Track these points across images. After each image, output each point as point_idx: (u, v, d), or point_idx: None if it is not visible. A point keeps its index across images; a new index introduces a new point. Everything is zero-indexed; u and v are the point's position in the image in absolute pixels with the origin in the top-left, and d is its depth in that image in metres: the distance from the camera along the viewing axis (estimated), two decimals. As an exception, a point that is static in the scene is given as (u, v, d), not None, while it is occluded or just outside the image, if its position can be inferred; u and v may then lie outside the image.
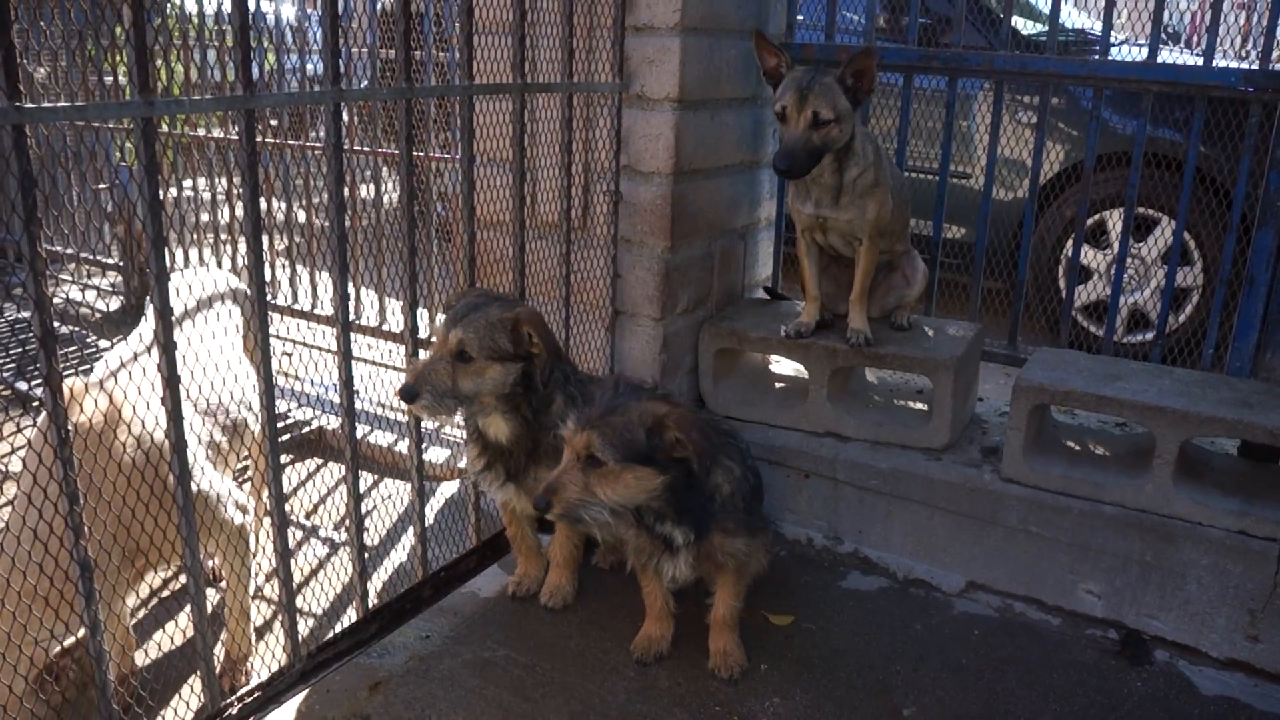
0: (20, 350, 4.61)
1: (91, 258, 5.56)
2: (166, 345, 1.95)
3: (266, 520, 3.21)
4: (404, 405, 2.47)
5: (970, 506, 2.92)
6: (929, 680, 2.58)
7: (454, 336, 2.43)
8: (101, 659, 1.92)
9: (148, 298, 2.77)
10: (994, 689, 2.55)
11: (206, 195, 5.19)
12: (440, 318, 2.52)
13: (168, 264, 1.95)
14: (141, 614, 2.86)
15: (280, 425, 3.91)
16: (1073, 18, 6.06)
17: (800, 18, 3.59)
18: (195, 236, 5.27)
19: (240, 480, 3.42)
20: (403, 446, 3.85)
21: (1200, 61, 3.04)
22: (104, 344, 4.77)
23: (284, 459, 3.79)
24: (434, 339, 2.53)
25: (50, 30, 5.08)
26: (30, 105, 1.62)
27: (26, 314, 4.96)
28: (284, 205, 4.85)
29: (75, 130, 5.32)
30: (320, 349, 4.90)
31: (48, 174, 5.26)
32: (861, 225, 3.00)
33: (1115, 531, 2.75)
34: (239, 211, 5.07)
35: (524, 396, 2.54)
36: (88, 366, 4.12)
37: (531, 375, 2.54)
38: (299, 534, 3.29)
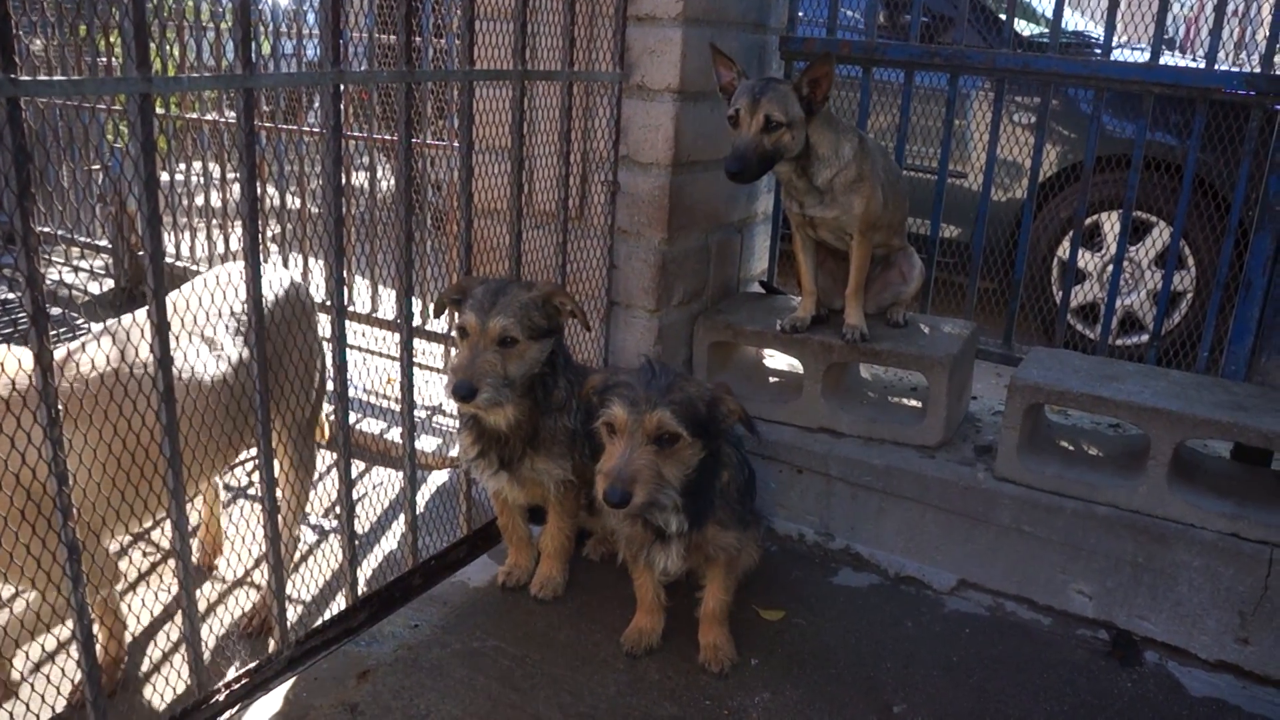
0: (11, 330, 4.57)
1: (82, 240, 5.52)
2: (160, 327, 1.92)
3: (258, 506, 3.20)
4: (458, 406, 2.43)
5: (963, 505, 2.92)
6: (919, 678, 2.57)
7: (495, 324, 2.41)
8: (90, 644, 1.90)
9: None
10: (984, 687, 2.55)
11: (197, 179, 5.16)
12: (469, 310, 2.45)
13: (164, 245, 1.92)
14: (129, 599, 2.83)
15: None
16: (1071, 20, 6.06)
17: (801, 14, 3.58)
18: (188, 220, 5.23)
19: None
20: (393, 434, 3.83)
21: (1194, 64, 3.04)
22: (95, 326, 4.73)
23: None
24: (461, 333, 2.48)
25: (45, 4, 5.04)
26: (26, 78, 1.60)
27: (15, 294, 4.91)
28: (277, 190, 4.82)
29: (67, 110, 5.28)
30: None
31: (43, 149, 5.22)
32: (849, 221, 2.99)
33: (1108, 532, 2.75)
34: (230, 196, 5.04)
35: (539, 377, 2.54)
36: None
37: (556, 353, 2.54)
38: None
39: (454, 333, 2.55)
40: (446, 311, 2.67)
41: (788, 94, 2.77)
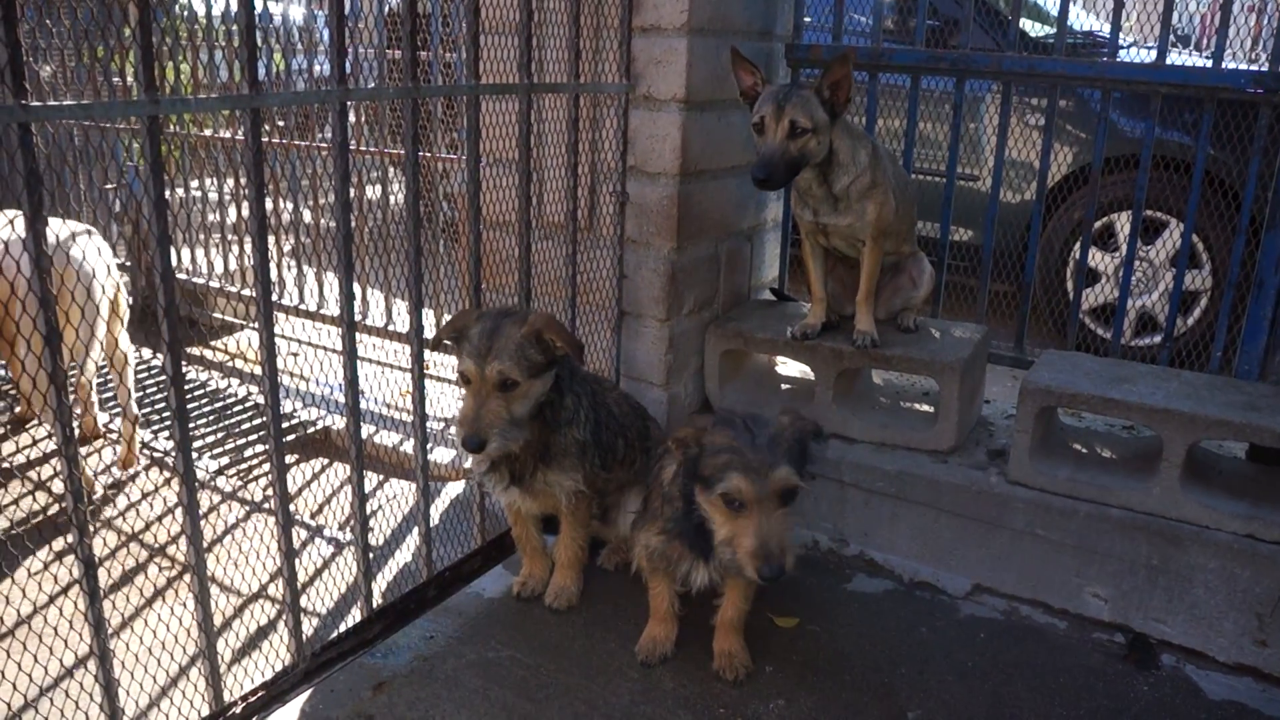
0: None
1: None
2: (172, 344, 1.95)
3: (270, 520, 3.22)
4: (472, 458, 2.44)
5: (976, 509, 2.91)
6: (935, 683, 2.57)
7: (492, 370, 2.38)
8: (106, 656, 1.93)
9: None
10: (1000, 692, 2.54)
11: (213, 195, 5.21)
12: (467, 357, 2.43)
13: (173, 263, 1.95)
14: (147, 613, 2.86)
15: (285, 425, 3.92)
16: (1080, 20, 6.05)
17: (808, 19, 3.58)
18: (201, 236, 5.28)
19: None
20: (408, 447, 3.85)
21: (1208, 63, 3.03)
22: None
23: (289, 458, 3.79)
24: (463, 379, 2.46)
25: (57, 29, 5.09)
26: (36, 103, 1.63)
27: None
28: (290, 205, 4.86)
29: (83, 130, 5.34)
30: (326, 349, 4.91)
31: (54, 173, 5.28)
32: (862, 228, 2.99)
33: (1122, 535, 2.74)
34: (245, 211, 5.09)
35: (546, 401, 2.54)
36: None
37: (561, 378, 2.54)
38: (304, 533, 3.29)
39: (456, 379, 2.53)
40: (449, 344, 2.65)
41: (811, 99, 2.77)
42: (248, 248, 5.09)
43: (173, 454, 3.72)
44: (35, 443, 3.86)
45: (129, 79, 5.12)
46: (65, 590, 2.93)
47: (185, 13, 5.02)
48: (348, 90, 2.18)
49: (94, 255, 3.38)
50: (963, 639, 2.76)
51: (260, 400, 4.29)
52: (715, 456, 2.22)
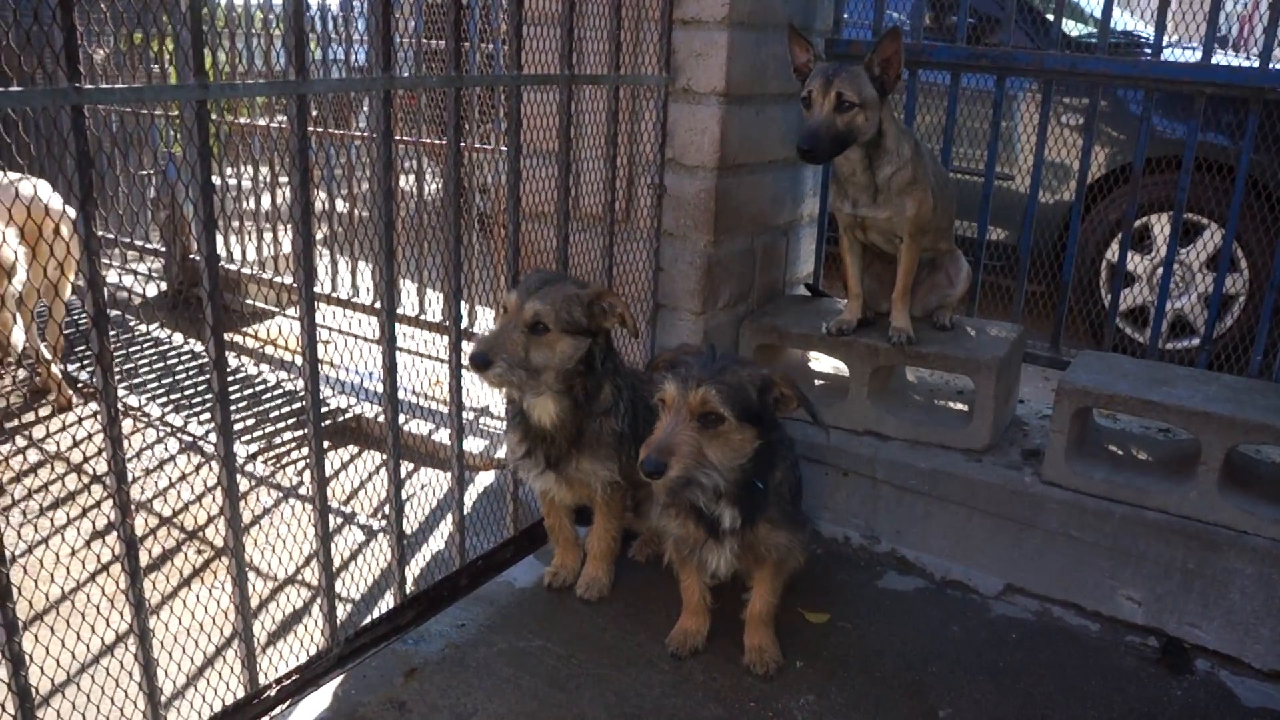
0: (72, 330, 4.68)
1: (138, 243, 5.63)
2: (215, 328, 1.97)
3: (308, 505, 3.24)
4: (476, 373, 2.45)
5: (1010, 509, 2.90)
6: (965, 682, 2.56)
7: (529, 308, 2.42)
8: (146, 635, 1.94)
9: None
10: (1031, 693, 2.53)
11: (246, 183, 5.24)
12: (514, 291, 2.47)
13: (218, 248, 1.97)
14: (184, 594, 2.89)
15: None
16: (1121, 19, 5.99)
17: (846, 16, 3.57)
18: (240, 224, 5.32)
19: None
20: (440, 436, 3.87)
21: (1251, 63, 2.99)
22: (150, 327, 4.82)
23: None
24: (503, 309, 2.51)
25: (107, 14, 5.14)
26: (89, 86, 1.64)
27: (76, 297, 5.04)
28: (325, 194, 4.88)
29: (123, 117, 5.39)
30: (358, 337, 4.94)
31: (104, 155, 5.32)
32: (900, 223, 2.98)
33: (1157, 538, 2.72)
34: (279, 200, 5.12)
35: (580, 378, 2.55)
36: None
37: (594, 355, 2.55)
38: (337, 520, 3.32)
39: (496, 310, 2.58)
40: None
41: (860, 74, 2.76)
42: (280, 235, 5.13)
43: (210, 438, 3.75)
44: (80, 422, 3.90)
45: (166, 66, 5.16)
46: (106, 568, 2.96)
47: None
48: (393, 78, 2.19)
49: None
50: (994, 639, 2.75)
51: (291, 387, 4.32)
52: (667, 369, 2.30)
